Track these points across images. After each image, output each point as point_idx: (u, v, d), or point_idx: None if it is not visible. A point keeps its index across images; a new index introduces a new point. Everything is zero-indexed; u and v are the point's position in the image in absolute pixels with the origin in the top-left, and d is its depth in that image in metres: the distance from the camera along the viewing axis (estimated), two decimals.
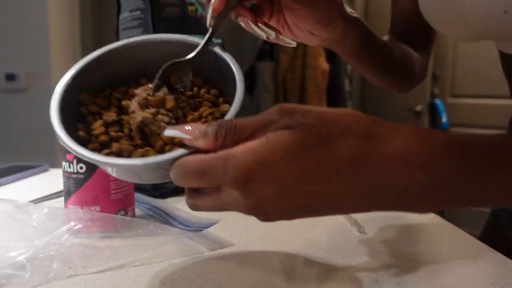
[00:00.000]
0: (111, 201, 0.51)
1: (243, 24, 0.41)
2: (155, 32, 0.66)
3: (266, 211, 0.30)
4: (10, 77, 2.07)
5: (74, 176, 0.50)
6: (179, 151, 0.30)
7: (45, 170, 0.90)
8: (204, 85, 0.40)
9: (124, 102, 0.38)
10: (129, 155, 0.33)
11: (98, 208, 0.50)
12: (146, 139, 0.35)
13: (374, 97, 2.65)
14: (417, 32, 0.66)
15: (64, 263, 0.42)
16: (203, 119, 0.36)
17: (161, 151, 0.33)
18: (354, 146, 0.28)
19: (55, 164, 0.97)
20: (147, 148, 0.34)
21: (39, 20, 2.06)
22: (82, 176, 0.50)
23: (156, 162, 0.30)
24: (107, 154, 0.33)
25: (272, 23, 0.46)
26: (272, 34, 0.42)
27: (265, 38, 0.42)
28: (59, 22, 2.19)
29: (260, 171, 0.27)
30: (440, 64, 2.38)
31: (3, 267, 0.40)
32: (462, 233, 0.52)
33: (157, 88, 0.37)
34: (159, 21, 0.66)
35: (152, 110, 0.35)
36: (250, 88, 2.74)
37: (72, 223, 0.48)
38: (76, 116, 0.37)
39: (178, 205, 0.61)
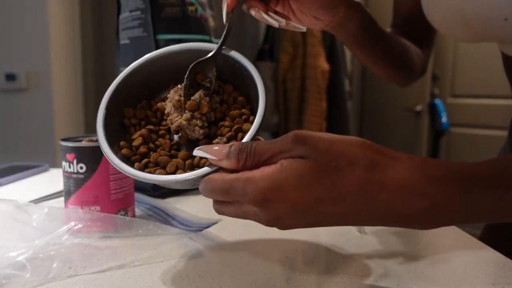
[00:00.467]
0: (111, 201, 0.51)
1: (254, 14, 0.44)
2: (155, 32, 0.66)
3: (283, 224, 0.33)
4: (10, 77, 2.07)
5: (74, 176, 0.50)
6: (206, 169, 0.34)
7: (45, 170, 0.90)
8: (233, 91, 0.43)
9: (159, 104, 0.42)
10: (165, 165, 0.38)
11: (98, 208, 0.50)
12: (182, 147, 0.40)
13: (374, 97, 2.64)
14: (418, 27, 0.67)
15: (64, 263, 0.42)
16: (230, 133, 0.39)
17: (190, 164, 0.38)
18: (359, 176, 0.31)
19: (55, 164, 0.97)
20: (179, 160, 0.38)
21: (39, 20, 2.06)
22: (82, 176, 0.50)
23: (186, 179, 0.35)
24: (146, 164, 0.38)
25: (278, 9, 0.48)
26: (283, 22, 0.45)
27: (277, 26, 0.45)
28: (59, 22, 2.19)
29: (274, 195, 0.31)
30: (440, 64, 2.37)
31: (3, 267, 0.40)
32: (462, 233, 0.52)
33: (186, 88, 0.40)
34: (159, 21, 0.66)
35: (188, 114, 0.39)
36: None
37: (72, 223, 0.48)
38: (120, 126, 0.42)
39: (178, 205, 0.61)
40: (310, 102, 2.20)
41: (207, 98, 0.40)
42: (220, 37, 0.77)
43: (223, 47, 0.41)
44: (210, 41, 0.70)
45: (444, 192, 0.32)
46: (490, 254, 0.45)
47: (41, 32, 2.06)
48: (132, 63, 0.46)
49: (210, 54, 0.41)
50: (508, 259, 0.43)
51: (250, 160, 0.32)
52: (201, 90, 0.40)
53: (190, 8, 0.68)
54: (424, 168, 0.32)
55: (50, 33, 2.07)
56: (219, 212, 0.36)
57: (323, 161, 0.31)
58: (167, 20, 0.67)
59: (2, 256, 0.42)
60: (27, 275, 0.38)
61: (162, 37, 0.66)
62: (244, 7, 0.44)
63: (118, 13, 0.71)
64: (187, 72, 0.40)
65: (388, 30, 0.67)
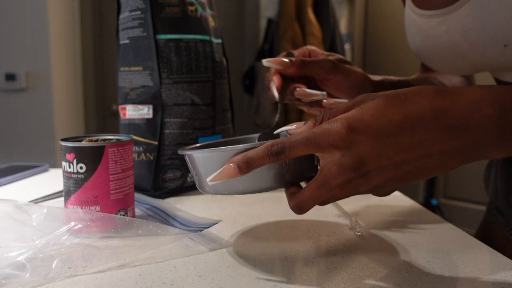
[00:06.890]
0: (111, 201, 0.51)
1: (297, 94, 0.53)
2: (155, 32, 0.66)
3: (368, 171, 0.34)
4: (10, 77, 2.07)
5: (74, 176, 0.50)
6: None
7: (45, 170, 0.90)
8: None
9: None
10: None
11: (98, 208, 0.50)
12: None
13: None
14: None
15: (64, 263, 0.42)
16: None
17: None
18: (429, 100, 0.33)
19: (55, 164, 0.97)
20: None
21: (39, 20, 2.06)
22: (82, 176, 0.50)
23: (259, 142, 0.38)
24: None
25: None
26: (325, 93, 0.53)
27: (323, 98, 0.53)
28: (59, 22, 2.19)
29: (358, 125, 0.33)
30: None
31: (3, 267, 0.40)
32: (462, 233, 0.52)
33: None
34: (159, 21, 0.66)
35: None
36: (249, 88, 2.74)
37: (72, 223, 0.48)
38: None
39: (178, 205, 0.61)
40: None
41: None
42: (220, 38, 0.77)
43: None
44: (210, 41, 0.70)
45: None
46: (490, 254, 0.45)
47: (41, 32, 2.06)
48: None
49: (274, 126, 0.50)
50: (508, 259, 0.43)
51: (327, 116, 0.35)
52: None
53: (190, 8, 0.68)
54: (489, 86, 0.34)
55: (50, 33, 2.07)
56: (298, 205, 0.37)
57: (393, 95, 0.34)
58: (167, 20, 0.67)
59: (2, 256, 0.42)
60: (27, 275, 0.38)
61: (162, 37, 0.66)
62: (289, 92, 0.53)
63: (118, 13, 0.71)
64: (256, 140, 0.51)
65: (416, 73, 0.71)
